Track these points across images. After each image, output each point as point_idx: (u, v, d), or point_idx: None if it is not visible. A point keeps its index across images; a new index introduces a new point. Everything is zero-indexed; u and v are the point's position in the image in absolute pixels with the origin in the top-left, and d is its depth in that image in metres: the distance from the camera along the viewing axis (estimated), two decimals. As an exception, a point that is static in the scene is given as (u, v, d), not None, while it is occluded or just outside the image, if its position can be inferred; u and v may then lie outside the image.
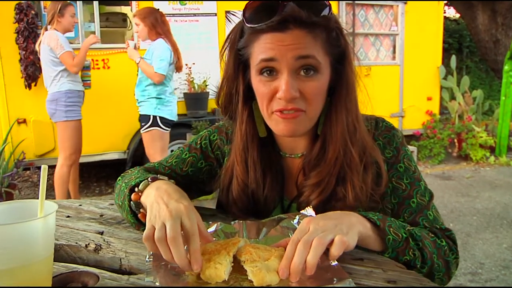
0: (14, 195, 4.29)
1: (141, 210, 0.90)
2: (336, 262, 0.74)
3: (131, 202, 0.91)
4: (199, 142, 1.10)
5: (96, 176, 5.75)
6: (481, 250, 3.39)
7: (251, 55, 0.91)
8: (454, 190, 5.08)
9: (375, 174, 0.95)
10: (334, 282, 0.69)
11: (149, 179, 0.91)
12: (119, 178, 1.08)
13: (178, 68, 3.95)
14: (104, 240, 0.93)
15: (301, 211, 0.89)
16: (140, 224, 0.93)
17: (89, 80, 4.26)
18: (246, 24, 0.89)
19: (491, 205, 4.48)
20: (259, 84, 0.91)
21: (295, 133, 0.92)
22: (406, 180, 0.98)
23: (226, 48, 0.97)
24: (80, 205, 1.18)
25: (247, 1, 0.87)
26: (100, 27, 5.17)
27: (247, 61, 0.94)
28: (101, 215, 1.09)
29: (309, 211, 0.88)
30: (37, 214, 0.65)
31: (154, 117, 3.81)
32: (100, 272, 0.78)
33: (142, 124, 3.85)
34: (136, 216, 0.92)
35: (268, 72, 0.88)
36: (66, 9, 3.87)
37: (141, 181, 0.91)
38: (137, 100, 3.90)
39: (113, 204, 1.16)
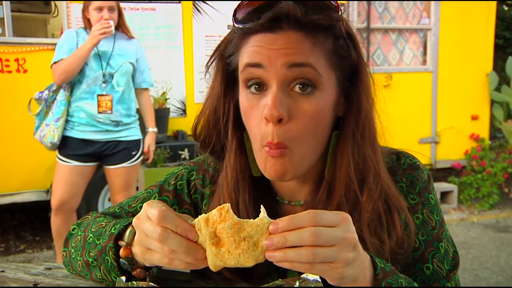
0: None
1: (135, 267, 0.87)
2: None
3: (121, 259, 0.87)
4: (173, 182, 1.07)
5: (2, 225, 4.70)
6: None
7: (238, 63, 0.89)
8: (514, 246, 4.38)
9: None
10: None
11: (132, 224, 0.87)
12: (74, 227, 1.07)
13: None
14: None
15: (301, 275, 0.87)
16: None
17: None
18: (235, 25, 0.88)
19: None
20: (245, 101, 0.87)
21: (284, 177, 0.86)
22: (422, 237, 0.95)
23: (214, 61, 0.95)
24: (3, 271, 1.06)
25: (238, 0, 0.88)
26: (12, 12, 4.18)
27: (235, 73, 0.90)
28: (35, 284, 1.01)
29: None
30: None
31: (141, 141, 3.41)
32: None
33: (133, 153, 3.29)
34: (125, 273, 0.89)
35: (256, 86, 0.84)
36: None
37: (123, 228, 0.88)
38: (117, 122, 3.20)
39: (49, 269, 1.08)
